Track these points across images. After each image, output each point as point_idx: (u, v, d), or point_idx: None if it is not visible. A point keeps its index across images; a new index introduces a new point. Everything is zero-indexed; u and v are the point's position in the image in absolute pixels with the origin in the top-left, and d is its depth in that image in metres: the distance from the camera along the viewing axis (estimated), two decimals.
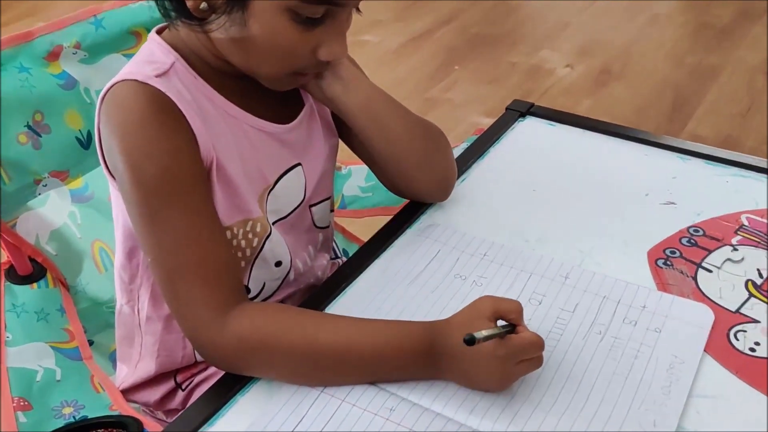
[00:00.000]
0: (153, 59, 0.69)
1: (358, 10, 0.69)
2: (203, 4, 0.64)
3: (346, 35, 0.69)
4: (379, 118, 0.77)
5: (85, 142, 0.87)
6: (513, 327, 0.61)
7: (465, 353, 0.60)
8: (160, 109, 0.66)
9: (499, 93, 2.49)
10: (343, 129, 0.81)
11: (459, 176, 0.87)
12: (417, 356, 0.62)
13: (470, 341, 0.57)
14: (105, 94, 0.68)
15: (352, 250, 1.11)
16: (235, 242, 0.73)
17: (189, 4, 0.65)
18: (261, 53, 0.67)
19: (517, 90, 2.51)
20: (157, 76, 0.67)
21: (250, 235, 0.74)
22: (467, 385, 0.62)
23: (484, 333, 0.58)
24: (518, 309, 0.62)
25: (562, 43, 2.85)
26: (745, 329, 0.68)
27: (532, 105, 1.03)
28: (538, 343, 0.61)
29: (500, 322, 0.62)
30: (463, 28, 3.01)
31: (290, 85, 0.73)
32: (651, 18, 3.00)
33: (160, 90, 0.66)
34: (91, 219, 0.91)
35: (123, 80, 0.67)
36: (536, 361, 0.61)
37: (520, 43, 2.87)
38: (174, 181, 0.66)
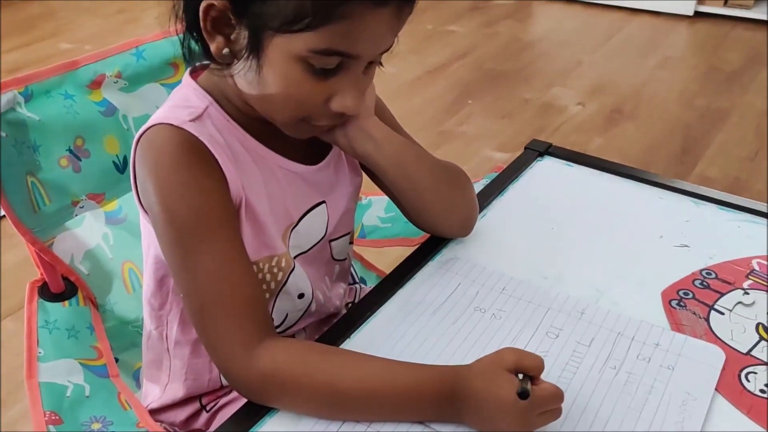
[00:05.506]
0: (188, 104, 0.72)
1: (380, 64, 0.71)
2: (225, 50, 0.67)
3: (361, 89, 0.70)
4: (408, 171, 0.79)
5: (121, 167, 0.91)
6: (531, 377, 0.63)
7: (487, 401, 0.62)
8: (193, 153, 0.68)
9: (511, 128, 2.53)
10: (368, 170, 0.83)
11: (479, 212, 0.90)
12: (438, 402, 0.64)
13: (524, 395, 0.59)
14: (141, 136, 0.70)
15: (369, 277, 1.13)
16: (260, 276, 0.76)
17: (212, 48, 0.67)
18: (275, 100, 0.69)
19: (530, 126, 2.54)
20: (191, 120, 0.69)
21: (275, 270, 0.77)
22: None
23: (529, 385, 0.60)
24: (541, 366, 0.63)
25: (575, 81, 2.89)
26: (755, 371, 0.70)
27: (551, 145, 1.06)
28: (559, 395, 0.62)
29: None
30: (478, 64, 3.06)
31: (307, 134, 0.74)
32: (662, 60, 3.05)
33: (193, 134, 0.68)
34: (123, 240, 0.94)
35: (159, 123, 0.69)
36: (555, 413, 0.63)
37: (533, 80, 2.92)
38: (205, 221, 0.68)
